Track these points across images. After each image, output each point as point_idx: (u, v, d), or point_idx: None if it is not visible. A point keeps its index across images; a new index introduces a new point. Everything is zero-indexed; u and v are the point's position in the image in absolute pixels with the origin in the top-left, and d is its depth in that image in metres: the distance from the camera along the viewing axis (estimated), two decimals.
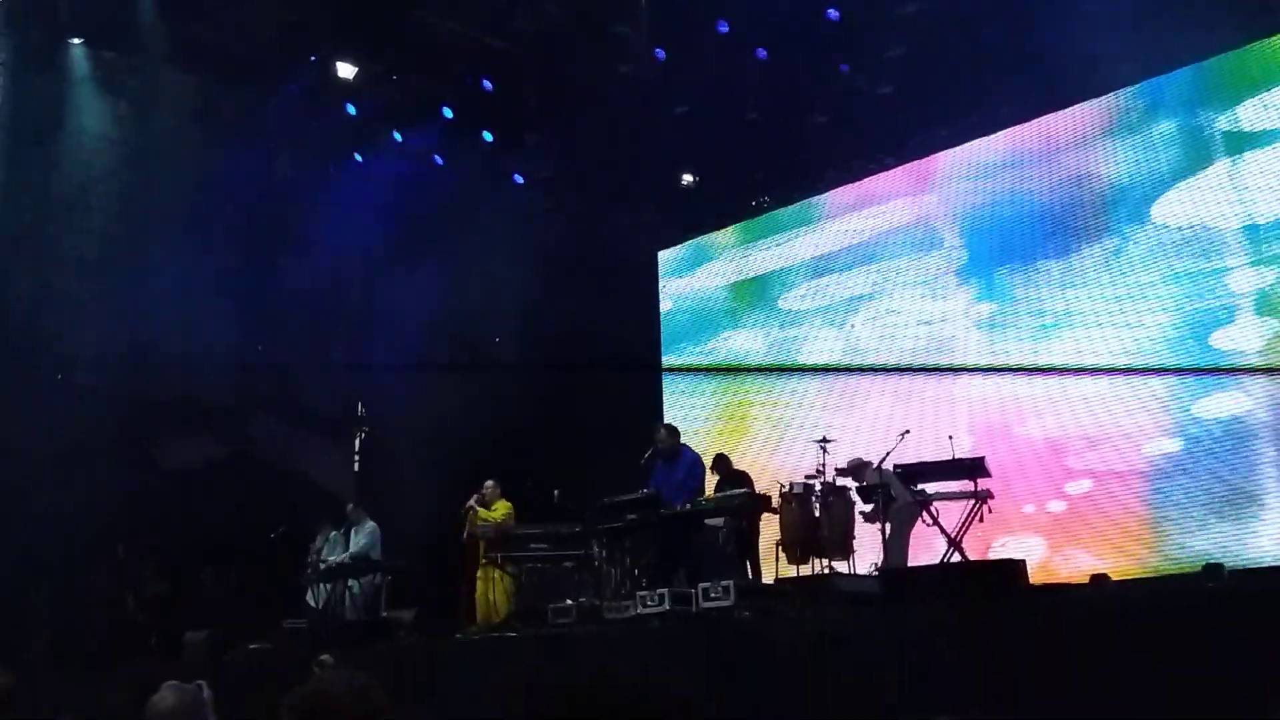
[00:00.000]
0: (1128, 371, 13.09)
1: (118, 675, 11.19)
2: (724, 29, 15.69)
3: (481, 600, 12.74)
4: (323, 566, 13.81)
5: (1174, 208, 13.35)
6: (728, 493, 11.71)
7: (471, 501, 13.19)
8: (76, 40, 16.05)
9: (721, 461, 12.66)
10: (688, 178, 18.53)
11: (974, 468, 10.88)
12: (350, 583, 13.37)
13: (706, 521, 11.14)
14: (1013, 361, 14.32)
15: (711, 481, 12.30)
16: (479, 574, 12.84)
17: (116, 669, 11.88)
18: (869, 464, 11.57)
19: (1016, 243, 14.75)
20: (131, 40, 15.92)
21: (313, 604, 13.87)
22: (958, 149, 15.66)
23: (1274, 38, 12.98)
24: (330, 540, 14.13)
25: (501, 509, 13.07)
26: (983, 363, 14.65)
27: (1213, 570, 8.27)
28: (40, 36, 15.95)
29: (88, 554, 14.64)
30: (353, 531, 13.95)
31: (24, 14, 15.82)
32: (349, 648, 10.64)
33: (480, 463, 15.80)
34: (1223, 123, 13.18)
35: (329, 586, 13.57)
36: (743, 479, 12.25)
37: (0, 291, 15.54)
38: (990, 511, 10.74)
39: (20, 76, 15.92)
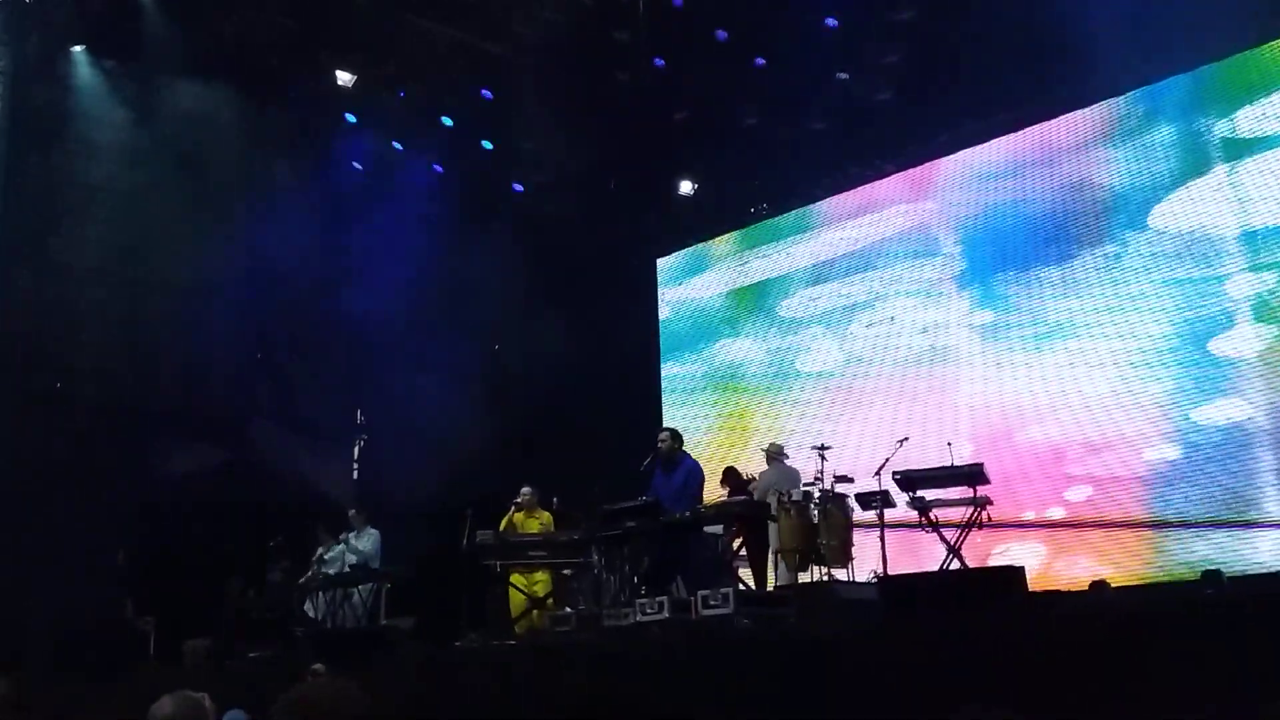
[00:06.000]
0: None
1: (117, 683, 11.17)
2: (723, 37, 15.73)
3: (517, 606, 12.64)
4: (322, 576, 13.82)
5: (1172, 214, 13.35)
6: (727, 499, 11.71)
7: (510, 512, 13.00)
8: (78, 48, 16.08)
9: (731, 474, 12.61)
10: (686, 185, 18.55)
11: (973, 474, 10.87)
12: (352, 591, 13.37)
13: (706, 529, 11.14)
14: (1013, 367, 14.33)
15: (721, 495, 12.26)
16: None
17: (116, 677, 11.86)
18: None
19: (1015, 250, 14.74)
20: (133, 48, 15.96)
21: (311, 613, 13.86)
22: (956, 155, 15.66)
23: (1272, 44, 12.99)
24: (330, 549, 14.15)
25: (546, 518, 12.92)
26: (981, 369, 14.67)
27: (1212, 576, 8.28)
28: (41, 44, 15.98)
29: (86, 561, 14.63)
30: (352, 537, 13.96)
31: (25, 22, 15.85)
32: (347, 657, 10.61)
33: (480, 470, 15.83)
34: (1221, 129, 13.19)
35: (327, 595, 13.58)
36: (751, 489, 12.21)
37: (0, 299, 15.55)
38: (990, 518, 10.74)
39: (21, 84, 15.95)
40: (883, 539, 10.87)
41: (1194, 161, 13.31)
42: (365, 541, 13.81)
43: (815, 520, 10.92)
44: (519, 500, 12.95)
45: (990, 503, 10.73)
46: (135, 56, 16.10)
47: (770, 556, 11.27)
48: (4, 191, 15.68)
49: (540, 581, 12.56)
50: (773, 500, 11.33)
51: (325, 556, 14.10)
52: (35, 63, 16.02)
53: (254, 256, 16.52)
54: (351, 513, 14.31)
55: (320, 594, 13.72)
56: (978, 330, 14.92)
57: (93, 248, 16.42)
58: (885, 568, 10.67)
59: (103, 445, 15.73)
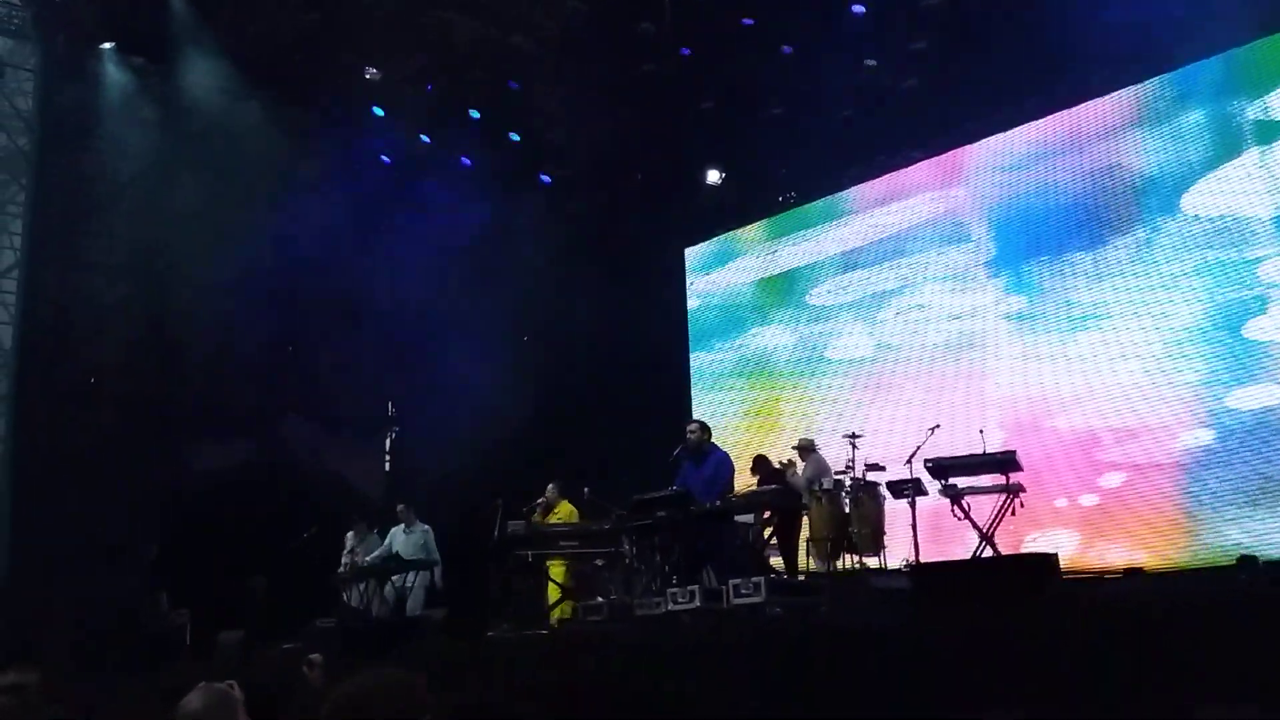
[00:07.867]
0: None
1: (150, 677, 11.22)
2: (749, 25, 15.67)
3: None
4: (363, 564, 13.82)
5: (1204, 198, 13.23)
6: (759, 488, 11.67)
7: (538, 511, 13.06)
8: (106, 45, 16.14)
9: (762, 463, 12.56)
10: (714, 174, 18.49)
11: (1005, 462, 10.81)
12: (408, 580, 13.44)
13: (737, 518, 11.11)
14: (1045, 353, 14.23)
15: (751, 484, 12.22)
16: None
17: (149, 671, 11.91)
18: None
19: (1046, 235, 14.64)
20: (160, 45, 16.01)
21: (350, 602, 13.88)
22: (985, 141, 15.57)
23: None
24: (365, 539, 14.18)
25: (564, 511, 12.97)
26: (1012, 355, 14.57)
27: (1247, 562, 8.21)
28: (70, 42, 16.06)
29: (118, 556, 14.71)
30: (403, 530, 13.94)
31: (54, 20, 15.93)
32: (380, 647, 10.64)
33: (511, 461, 15.85)
34: (1253, 112, 13.06)
35: (365, 586, 13.58)
36: (783, 477, 12.16)
37: (30, 295, 15.64)
38: (1022, 506, 10.66)
39: (50, 82, 16.03)
40: (914, 527, 10.83)
41: (1226, 145, 13.18)
42: (421, 535, 13.81)
43: (847, 509, 10.90)
44: (539, 501, 12.99)
45: (1023, 490, 10.66)
46: (163, 54, 16.16)
47: (802, 545, 11.24)
48: (33, 188, 15.77)
49: (558, 574, 12.60)
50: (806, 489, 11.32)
51: (356, 548, 14.12)
52: (64, 61, 16.10)
53: (282, 251, 16.55)
54: (401, 508, 14.25)
55: (361, 584, 13.74)
56: (1009, 317, 14.83)
57: (121, 244, 16.50)
58: (917, 555, 10.63)
59: (131, 439, 15.81)
